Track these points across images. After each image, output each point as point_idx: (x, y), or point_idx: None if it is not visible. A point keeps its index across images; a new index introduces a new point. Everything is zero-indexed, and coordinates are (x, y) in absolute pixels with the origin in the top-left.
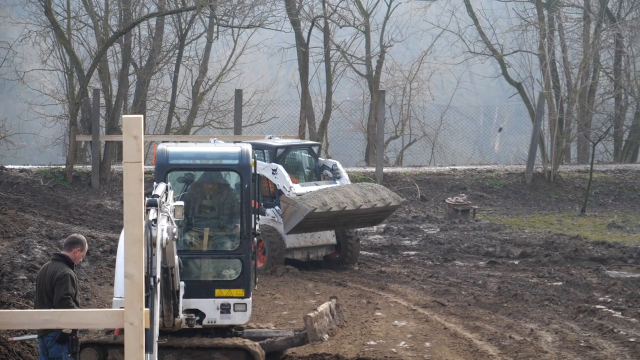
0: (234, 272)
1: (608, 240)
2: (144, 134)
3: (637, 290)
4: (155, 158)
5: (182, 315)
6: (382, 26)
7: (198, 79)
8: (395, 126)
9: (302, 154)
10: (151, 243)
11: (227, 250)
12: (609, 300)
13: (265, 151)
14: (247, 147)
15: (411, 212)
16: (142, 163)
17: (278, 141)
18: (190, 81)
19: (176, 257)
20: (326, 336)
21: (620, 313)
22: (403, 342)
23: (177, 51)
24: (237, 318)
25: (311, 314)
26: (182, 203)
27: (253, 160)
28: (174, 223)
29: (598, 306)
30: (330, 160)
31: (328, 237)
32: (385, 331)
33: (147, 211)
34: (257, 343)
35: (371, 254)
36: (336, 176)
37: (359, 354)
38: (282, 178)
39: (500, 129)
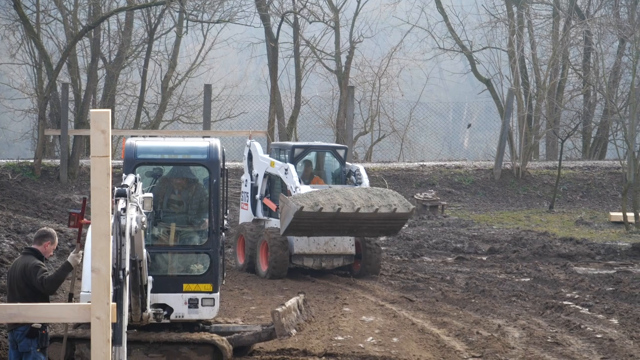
0: (202, 267)
1: (576, 237)
2: (113, 128)
3: (604, 286)
4: (124, 152)
5: (150, 310)
6: (351, 22)
7: (167, 73)
8: (364, 122)
9: (328, 156)
10: (120, 232)
11: (195, 245)
12: (577, 296)
13: (285, 152)
14: (216, 142)
15: None
16: (110, 157)
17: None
18: (159, 76)
19: (144, 250)
20: (294, 331)
21: (587, 309)
22: (371, 338)
23: (147, 46)
24: (205, 313)
25: (279, 309)
26: (151, 195)
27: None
28: (142, 213)
29: (565, 302)
30: (354, 164)
31: (345, 245)
32: (353, 326)
33: (116, 201)
34: (224, 338)
35: None
36: (358, 181)
37: (326, 349)
38: (290, 178)
39: (469, 125)
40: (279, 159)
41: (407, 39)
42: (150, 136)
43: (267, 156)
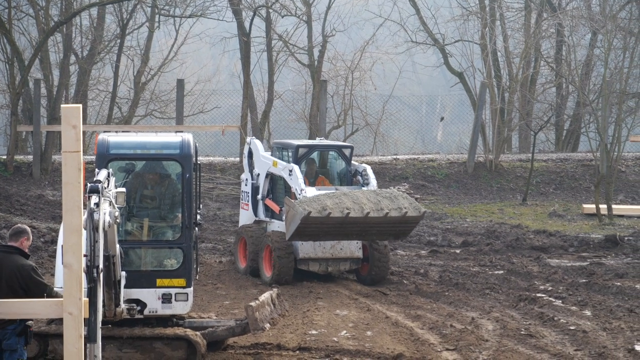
0: (175, 262)
1: (549, 229)
2: (86, 124)
3: (578, 278)
4: (97, 148)
5: (123, 305)
6: (324, 16)
7: (140, 68)
8: (337, 116)
9: (332, 156)
10: (93, 228)
11: (168, 240)
12: (550, 288)
13: (288, 151)
14: (189, 137)
15: None
16: (81, 152)
17: (305, 141)
18: (132, 71)
19: (117, 245)
20: (268, 325)
21: (560, 301)
22: (344, 331)
23: (119, 41)
24: (179, 308)
25: (252, 304)
26: (123, 190)
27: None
28: (116, 208)
29: (539, 294)
30: (360, 164)
31: (352, 249)
32: (327, 320)
33: (89, 197)
34: (198, 333)
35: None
36: (365, 182)
37: (300, 343)
38: (295, 180)
39: (442, 119)
40: (282, 159)
41: (380, 33)
42: (122, 131)
43: (268, 155)
